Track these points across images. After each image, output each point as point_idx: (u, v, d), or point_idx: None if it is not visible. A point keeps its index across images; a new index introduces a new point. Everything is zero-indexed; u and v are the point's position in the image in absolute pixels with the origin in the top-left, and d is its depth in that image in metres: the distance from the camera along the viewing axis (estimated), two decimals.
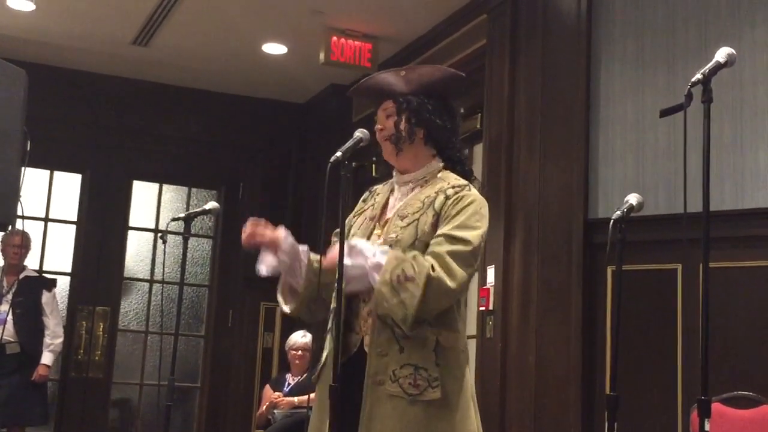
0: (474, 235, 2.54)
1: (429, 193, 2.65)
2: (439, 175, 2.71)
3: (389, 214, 2.70)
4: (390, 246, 2.56)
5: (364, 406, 2.49)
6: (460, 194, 2.60)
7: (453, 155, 2.75)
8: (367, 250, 2.50)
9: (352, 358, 2.56)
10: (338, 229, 2.66)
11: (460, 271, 2.48)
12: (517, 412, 4.96)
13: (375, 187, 2.87)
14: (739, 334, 4.27)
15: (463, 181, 2.67)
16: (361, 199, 2.85)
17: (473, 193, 2.63)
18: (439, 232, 2.55)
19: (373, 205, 2.77)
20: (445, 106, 2.74)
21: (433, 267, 2.46)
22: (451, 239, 2.52)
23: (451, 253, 2.49)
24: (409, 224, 2.60)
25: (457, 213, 2.57)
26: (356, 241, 2.55)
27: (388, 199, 2.76)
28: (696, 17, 4.67)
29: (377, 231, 2.68)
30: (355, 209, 2.82)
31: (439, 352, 2.51)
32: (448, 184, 2.65)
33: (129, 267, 7.91)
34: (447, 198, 2.60)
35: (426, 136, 2.70)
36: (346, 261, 2.45)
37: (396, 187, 2.77)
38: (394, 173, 2.79)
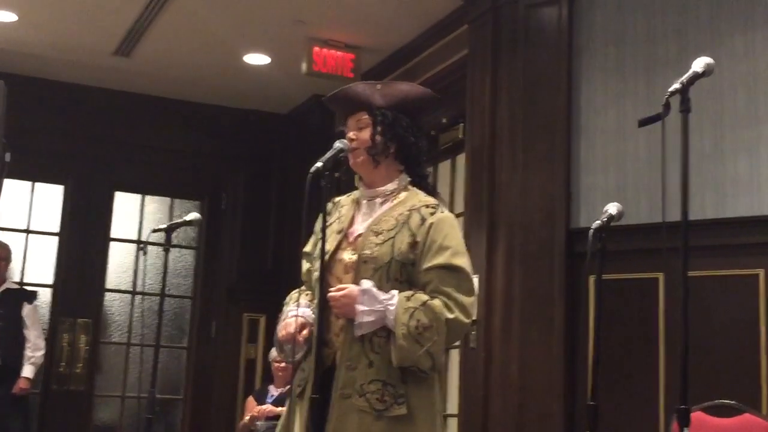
0: (466, 260, 2.61)
1: (401, 210, 2.65)
2: (407, 191, 2.72)
3: (359, 229, 2.69)
4: (365, 262, 2.57)
5: (330, 418, 2.51)
6: (438, 216, 2.63)
7: (421, 172, 2.78)
8: (379, 294, 2.51)
9: (326, 372, 2.56)
10: (305, 249, 2.77)
11: (468, 301, 2.56)
12: (501, 421, 4.95)
13: (337, 198, 2.86)
14: (721, 343, 4.28)
15: (432, 200, 2.70)
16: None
17: (447, 213, 2.67)
18: (434, 262, 2.56)
19: (339, 218, 2.76)
20: (416, 124, 2.76)
21: (447, 307, 2.50)
22: (451, 270, 2.55)
23: (457, 287, 2.54)
24: (384, 241, 2.60)
25: (444, 238, 2.58)
26: (366, 284, 2.53)
27: (354, 213, 2.76)
28: (676, 28, 4.70)
29: (346, 246, 2.67)
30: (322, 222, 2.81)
31: (406, 370, 2.52)
32: (420, 202, 2.67)
33: (111, 279, 7.87)
34: (423, 219, 2.61)
35: (397, 152, 2.72)
36: (360, 307, 2.48)
37: (363, 201, 2.76)
38: (360, 186, 2.78)
